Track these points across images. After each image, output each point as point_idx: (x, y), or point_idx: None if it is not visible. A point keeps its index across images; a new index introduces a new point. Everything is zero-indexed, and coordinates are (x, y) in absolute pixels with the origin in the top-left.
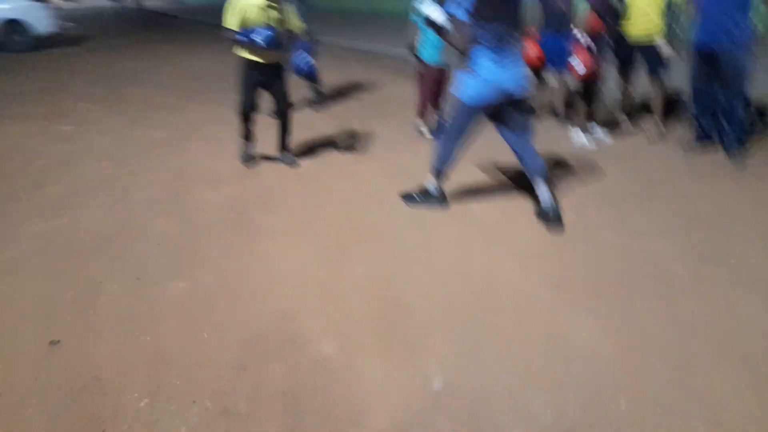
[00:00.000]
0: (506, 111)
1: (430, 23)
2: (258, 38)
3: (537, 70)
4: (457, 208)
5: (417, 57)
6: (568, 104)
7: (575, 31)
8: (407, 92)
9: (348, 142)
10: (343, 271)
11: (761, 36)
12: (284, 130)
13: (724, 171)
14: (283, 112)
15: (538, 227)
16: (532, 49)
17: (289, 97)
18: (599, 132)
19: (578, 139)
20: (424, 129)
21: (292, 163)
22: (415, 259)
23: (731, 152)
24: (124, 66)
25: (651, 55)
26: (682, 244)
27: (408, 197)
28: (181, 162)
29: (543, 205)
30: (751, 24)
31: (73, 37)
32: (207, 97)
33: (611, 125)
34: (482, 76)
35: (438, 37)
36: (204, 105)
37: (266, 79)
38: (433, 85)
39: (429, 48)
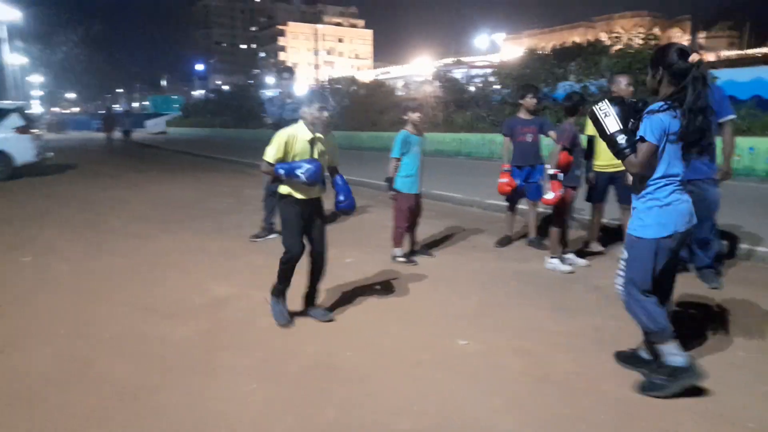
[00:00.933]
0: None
1: (608, 138)
2: (300, 172)
3: (510, 200)
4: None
5: (393, 188)
6: (541, 232)
7: (546, 165)
8: (382, 218)
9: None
10: (314, 418)
11: (720, 168)
12: (318, 276)
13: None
14: (320, 255)
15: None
16: (505, 180)
17: (326, 239)
18: (572, 256)
19: (552, 264)
20: (400, 256)
21: (325, 317)
22: (397, 408)
23: (705, 277)
24: (100, 194)
25: (619, 185)
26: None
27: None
28: (145, 292)
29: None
30: (715, 160)
31: (55, 166)
32: (181, 225)
33: (584, 250)
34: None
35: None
36: (177, 234)
37: (307, 217)
38: (409, 214)
39: (405, 178)
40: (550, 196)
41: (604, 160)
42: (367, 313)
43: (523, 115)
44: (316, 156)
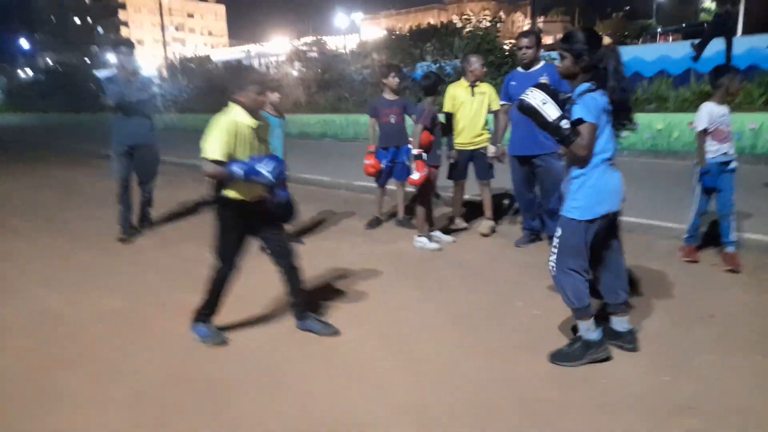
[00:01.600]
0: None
1: (550, 126)
2: (266, 171)
3: (379, 181)
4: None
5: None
6: (409, 210)
7: (409, 145)
8: None
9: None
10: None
11: None
12: (297, 283)
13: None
14: (287, 260)
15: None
16: (370, 162)
17: (288, 239)
18: (438, 234)
19: (420, 242)
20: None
21: (329, 331)
22: (262, 407)
23: None
24: None
25: (479, 162)
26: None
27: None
28: None
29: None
30: None
31: None
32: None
33: (449, 227)
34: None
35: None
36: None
37: (254, 221)
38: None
39: None
40: (415, 176)
41: (465, 138)
42: (236, 312)
43: (387, 95)
44: (256, 149)
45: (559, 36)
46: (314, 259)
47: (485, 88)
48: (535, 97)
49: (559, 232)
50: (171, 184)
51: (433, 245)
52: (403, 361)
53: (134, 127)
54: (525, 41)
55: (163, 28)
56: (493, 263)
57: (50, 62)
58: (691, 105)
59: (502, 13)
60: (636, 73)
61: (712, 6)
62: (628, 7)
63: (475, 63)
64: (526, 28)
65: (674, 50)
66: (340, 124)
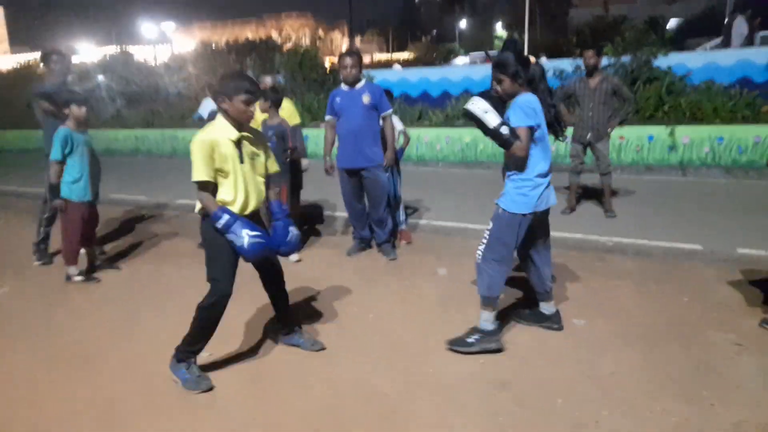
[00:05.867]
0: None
1: (492, 132)
2: (241, 243)
3: None
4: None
5: (59, 197)
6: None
7: None
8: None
9: None
10: None
11: (386, 156)
12: (286, 303)
13: (385, 269)
14: (277, 279)
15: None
16: None
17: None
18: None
19: None
20: (77, 274)
21: (315, 346)
22: None
23: (384, 251)
24: None
25: (294, 174)
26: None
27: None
28: None
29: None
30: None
31: None
32: None
33: None
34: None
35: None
36: None
37: None
38: (82, 225)
39: (73, 184)
40: None
41: None
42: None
43: None
44: (246, 163)
45: (489, 63)
46: (134, 285)
47: (286, 104)
48: (478, 106)
49: (491, 225)
50: None
51: (295, 257)
52: (252, 374)
53: None
54: (349, 61)
55: None
56: (330, 271)
57: None
58: None
59: (321, 31)
60: (445, 92)
61: (503, 33)
62: (435, 31)
63: (269, 82)
64: (344, 47)
65: (476, 72)
66: (154, 139)
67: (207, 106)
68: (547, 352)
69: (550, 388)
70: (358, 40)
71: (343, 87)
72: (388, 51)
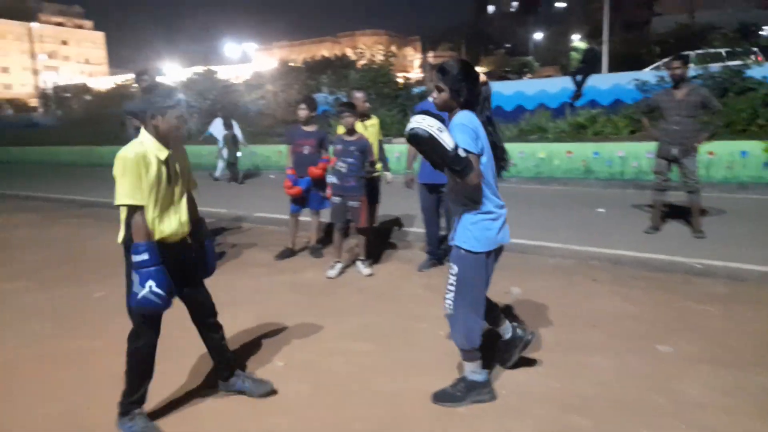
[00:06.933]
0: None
1: (449, 156)
2: (137, 288)
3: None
4: None
5: None
6: (323, 239)
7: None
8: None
9: None
10: None
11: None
12: (220, 342)
13: None
14: (209, 320)
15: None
16: (289, 188)
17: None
18: (359, 265)
19: (332, 271)
20: None
21: (263, 388)
22: None
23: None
24: None
25: (371, 188)
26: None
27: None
28: None
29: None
30: None
31: None
32: None
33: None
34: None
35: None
36: None
37: (175, 269)
38: None
39: None
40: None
41: None
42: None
43: (305, 126)
44: (173, 182)
45: (435, 66)
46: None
47: (374, 121)
48: (431, 125)
49: (455, 268)
50: (44, 221)
51: (367, 270)
52: (315, 384)
53: None
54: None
55: (34, 56)
56: (401, 284)
57: None
58: (567, 135)
59: (394, 47)
60: (519, 106)
61: (582, 45)
62: (509, 45)
63: (360, 98)
64: (417, 61)
65: (552, 85)
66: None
67: (218, 125)
68: (628, 378)
69: (632, 416)
70: (430, 54)
71: (429, 99)
72: None
